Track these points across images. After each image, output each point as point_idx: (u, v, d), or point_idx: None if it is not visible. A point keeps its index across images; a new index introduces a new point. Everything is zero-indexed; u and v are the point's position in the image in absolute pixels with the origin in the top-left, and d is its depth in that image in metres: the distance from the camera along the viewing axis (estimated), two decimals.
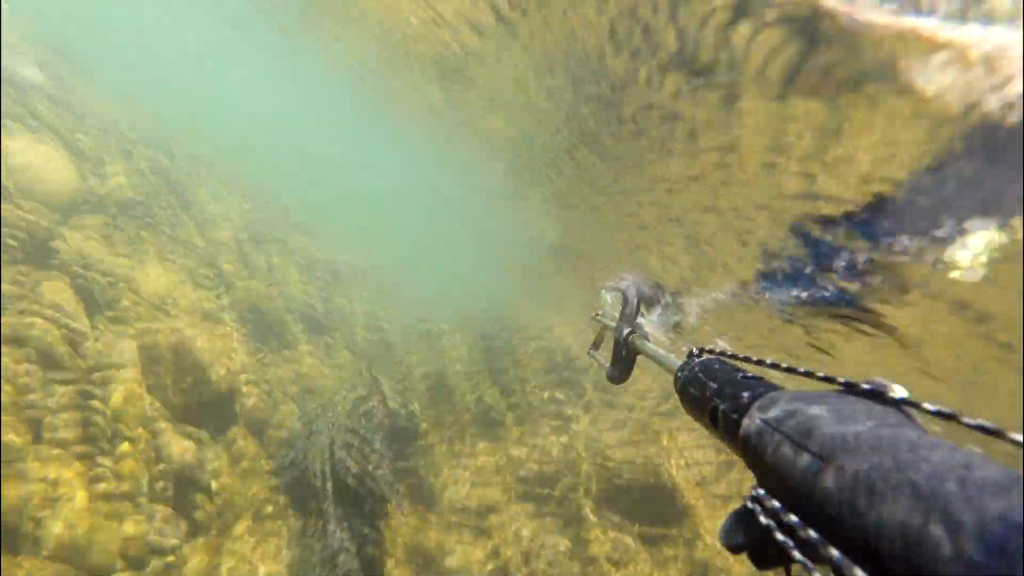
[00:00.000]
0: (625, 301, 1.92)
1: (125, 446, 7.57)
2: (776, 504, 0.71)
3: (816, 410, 0.73)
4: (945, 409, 0.66)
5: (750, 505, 0.77)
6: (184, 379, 9.14)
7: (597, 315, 2.28)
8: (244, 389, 10.48)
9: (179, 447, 8.08)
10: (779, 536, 0.69)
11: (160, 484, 7.67)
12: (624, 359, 1.77)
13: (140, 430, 7.85)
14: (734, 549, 0.80)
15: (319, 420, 11.25)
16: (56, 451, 6.88)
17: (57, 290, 8.88)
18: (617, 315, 1.95)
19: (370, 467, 9.06)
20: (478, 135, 9.31)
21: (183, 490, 7.97)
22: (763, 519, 0.73)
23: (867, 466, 0.60)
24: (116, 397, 7.79)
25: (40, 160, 11.19)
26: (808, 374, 0.92)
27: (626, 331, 1.81)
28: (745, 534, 0.78)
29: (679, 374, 1.16)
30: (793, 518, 0.67)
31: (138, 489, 7.37)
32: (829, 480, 0.63)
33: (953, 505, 0.49)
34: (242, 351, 12.21)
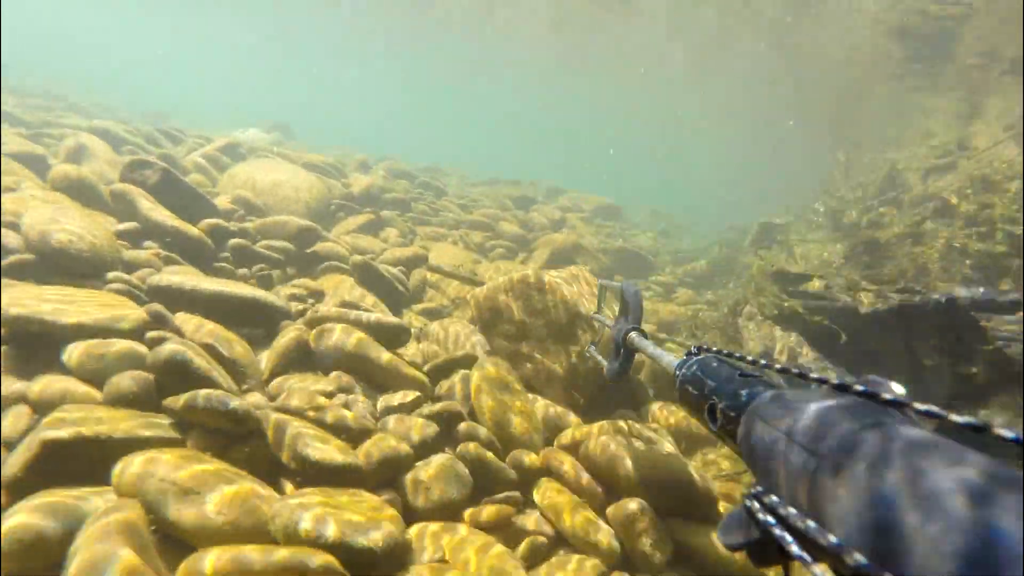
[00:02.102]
0: (624, 299, 1.77)
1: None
2: (774, 499, 0.70)
3: (813, 408, 0.72)
4: (934, 408, 0.64)
5: (748, 503, 0.74)
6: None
7: (595, 314, 2.07)
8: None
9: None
10: (777, 531, 0.67)
11: None
12: (622, 356, 1.74)
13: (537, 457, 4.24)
14: (734, 547, 0.77)
15: None
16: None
17: (345, 287, 6.00)
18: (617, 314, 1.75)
19: None
20: None
21: None
22: (761, 516, 0.71)
23: (864, 464, 0.59)
24: (479, 402, 4.28)
25: (284, 176, 9.01)
26: (802, 375, 0.88)
27: (625, 329, 1.71)
28: (744, 532, 0.75)
29: (678, 372, 1.14)
30: (791, 510, 0.66)
31: None
32: (826, 478, 0.62)
33: (950, 503, 0.48)
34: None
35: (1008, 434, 0.56)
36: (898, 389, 0.73)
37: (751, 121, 32.94)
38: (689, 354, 1.17)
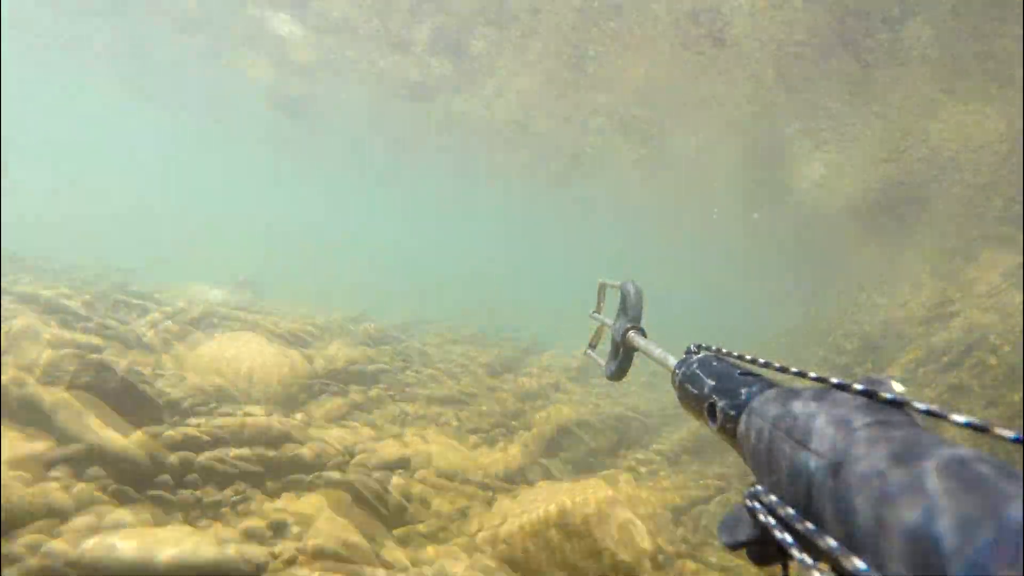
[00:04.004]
0: (624, 297, 1.74)
1: None
2: (774, 499, 0.70)
3: (814, 407, 0.72)
4: (935, 408, 0.65)
5: (748, 502, 0.74)
6: None
7: (594, 313, 2.10)
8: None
9: None
10: (777, 532, 0.66)
11: None
12: (621, 356, 1.71)
13: None
14: (733, 547, 0.77)
15: None
16: None
17: (321, 517, 4.87)
18: (617, 312, 1.81)
19: None
20: None
21: None
22: (761, 516, 0.70)
23: (865, 464, 0.58)
24: None
25: (255, 357, 8.12)
26: (801, 374, 0.88)
27: (624, 328, 1.68)
28: (744, 532, 0.74)
29: (677, 371, 1.13)
30: (790, 511, 0.66)
31: None
32: (827, 477, 0.62)
33: (952, 502, 0.48)
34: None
35: (1008, 434, 0.56)
36: (898, 388, 0.70)
37: (721, 258, 33.93)
38: (688, 352, 1.13)
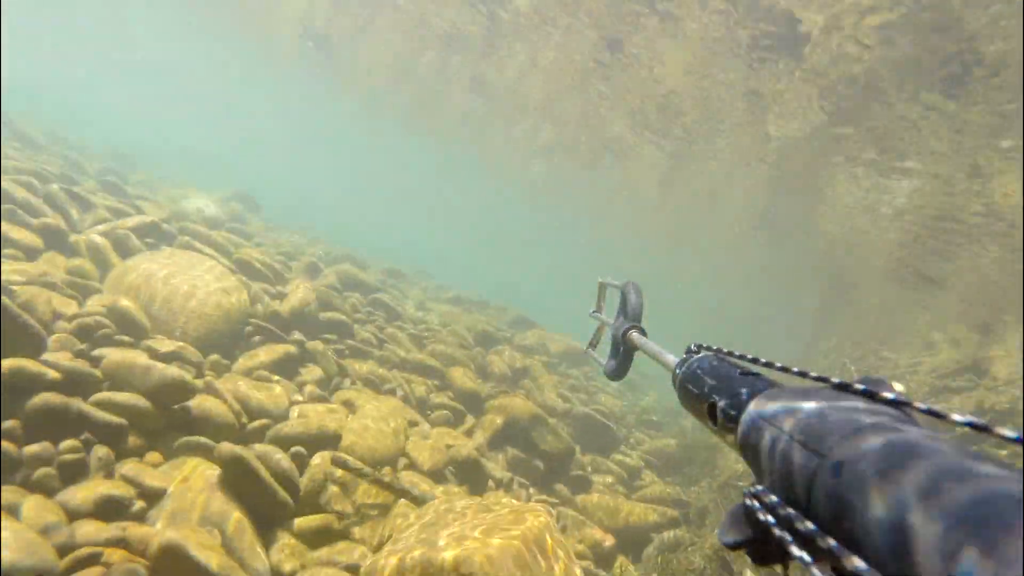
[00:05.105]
0: (624, 297, 1.75)
1: None
2: (774, 498, 0.69)
3: (814, 407, 0.72)
4: (935, 408, 0.64)
5: (748, 502, 0.73)
6: None
7: (594, 312, 2.09)
8: None
9: None
10: (777, 531, 0.66)
11: None
12: (622, 355, 1.72)
13: None
14: (733, 546, 0.77)
15: None
16: None
17: (198, 498, 4.06)
18: (617, 312, 1.81)
19: None
20: None
21: None
22: (761, 515, 0.69)
23: (865, 463, 0.58)
24: None
25: (195, 281, 7.22)
26: (802, 374, 0.88)
27: (624, 327, 1.69)
28: (744, 531, 0.74)
29: (677, 371, 1.13)
30: (790, 511, 0.65)
31: None
32: (827, 477, 0.62)
33: (951, 503, 0.48)
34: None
35: (1009, 433, 0.55)
36: (899, 388, 0.71)
37: (734, 286, 32.84)
38: (689, 352, 1.12)
